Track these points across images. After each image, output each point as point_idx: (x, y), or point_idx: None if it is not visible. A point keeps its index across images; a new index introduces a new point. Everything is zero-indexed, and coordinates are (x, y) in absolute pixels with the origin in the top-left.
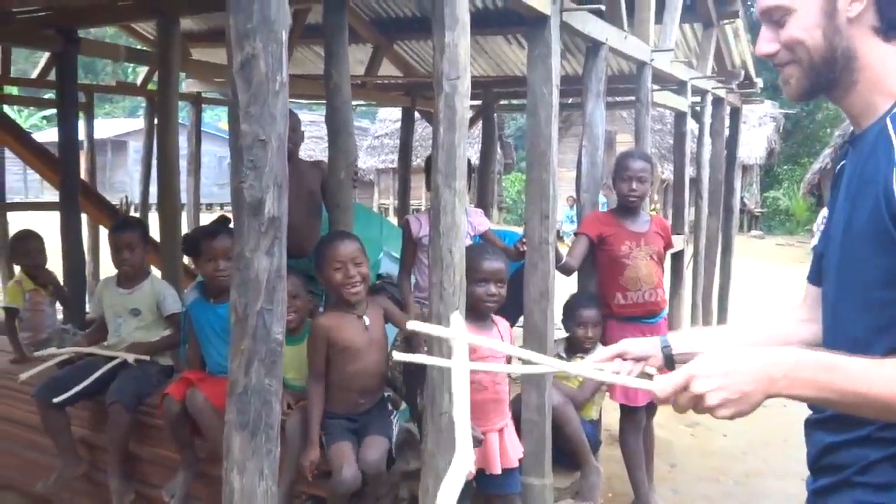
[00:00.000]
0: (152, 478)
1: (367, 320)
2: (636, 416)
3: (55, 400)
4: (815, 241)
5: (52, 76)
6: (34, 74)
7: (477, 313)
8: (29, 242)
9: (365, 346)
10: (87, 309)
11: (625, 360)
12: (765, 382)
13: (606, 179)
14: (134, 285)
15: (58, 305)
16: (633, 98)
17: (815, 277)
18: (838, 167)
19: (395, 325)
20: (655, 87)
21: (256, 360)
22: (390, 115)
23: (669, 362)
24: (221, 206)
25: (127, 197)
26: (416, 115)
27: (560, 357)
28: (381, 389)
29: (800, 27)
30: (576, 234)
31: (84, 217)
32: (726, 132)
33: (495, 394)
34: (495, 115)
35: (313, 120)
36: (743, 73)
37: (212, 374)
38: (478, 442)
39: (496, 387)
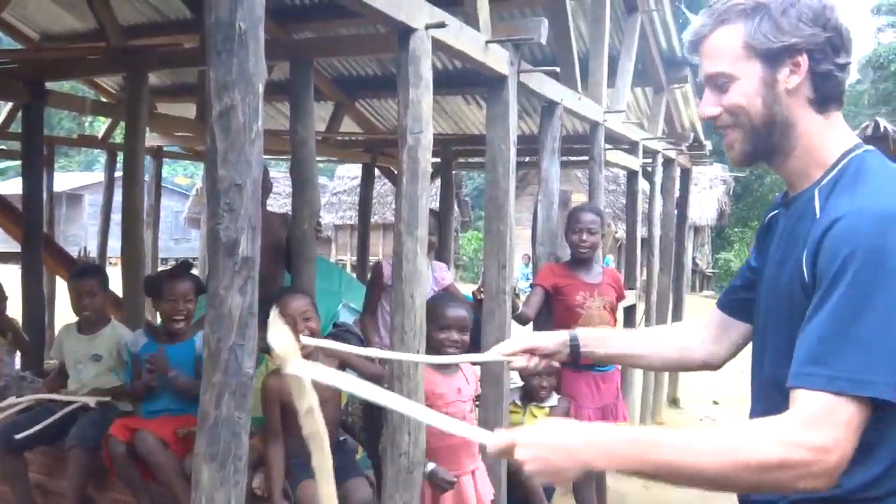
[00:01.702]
0: None
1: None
2: None
3: (16, 437)
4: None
5: (13, 127)
6: None
7: None
8: None
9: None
10: (47, 357)
11: (534, 355)
12: (580, 462)
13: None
14: (95, 331)
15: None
16: (587, 157)
17: (724, 305)
18: (767, 218)
19: (355, 369)
20: (608, 146)
21: (227, 393)
22: (348, 172)
23: (575, 358)
24: (177, 260)
25: (86, 248)
26: (376, 171)
27: (515, 404)
28: (336, 434)
29: (741, 94)
30: (532, 285)
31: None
32: (677, 192)
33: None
34: (454, 173)
35: (273, 177)
36: (692, 135)
37: (152, 415)
38: (450, 485)
39: None
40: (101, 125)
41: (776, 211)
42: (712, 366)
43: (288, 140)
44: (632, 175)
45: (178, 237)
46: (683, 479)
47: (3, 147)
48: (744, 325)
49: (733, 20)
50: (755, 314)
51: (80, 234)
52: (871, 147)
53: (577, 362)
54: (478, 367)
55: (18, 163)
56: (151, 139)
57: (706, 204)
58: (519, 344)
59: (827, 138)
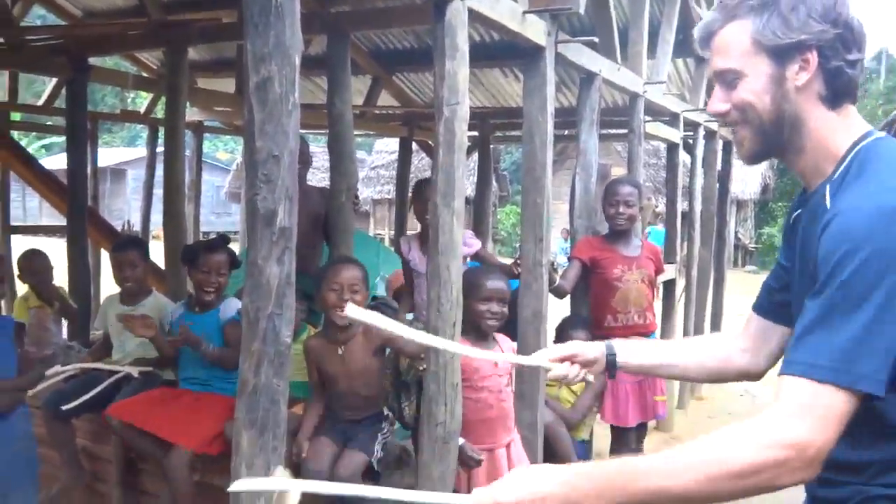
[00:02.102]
0: (153, 488)
1: (341, 350)
2: (626, 438)
3: (63, 408)
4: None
5: (57, 103)
6: (40, 102)
7: (479, 332)
8: (34, 260)
9: (342, 375)
10: (92, 327)
11: (573, 363)
12: None
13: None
14: (137, 301)
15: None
16: (626, 130)
17: (760, 308)
18: (791, 217)
19: (397, 349)
20: (648, 118)
21: (266, 361)
22: (386, 147)
23: (612, 369)
24: (218, 234)
25: (129, 221)
26: (414, 145)
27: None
28: (373, 407)
29: (750, 91)
30: (569, 258)
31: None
32: (719, 165)
33: (500, 410)
34: (491, 147)
35: (312, 151)
36: None
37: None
38: (477, 462)
39: (501, 404)
40: (142, 101)
41: (798, 210)
42: (753, 375)
43: (326, 114)
44: (672, 148)
45: (218, 211)
46: (673, 501)
47: (49, 123)
48: (783, 328)
49: (743, 15)
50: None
51: (124, 208)
52: (882, 134)
53: (612, 375)
54: (512, 344)
55: (63, 138)
56: (192, 114)
57: (749, 177)
58: (561, 351)
59: (839, 133)
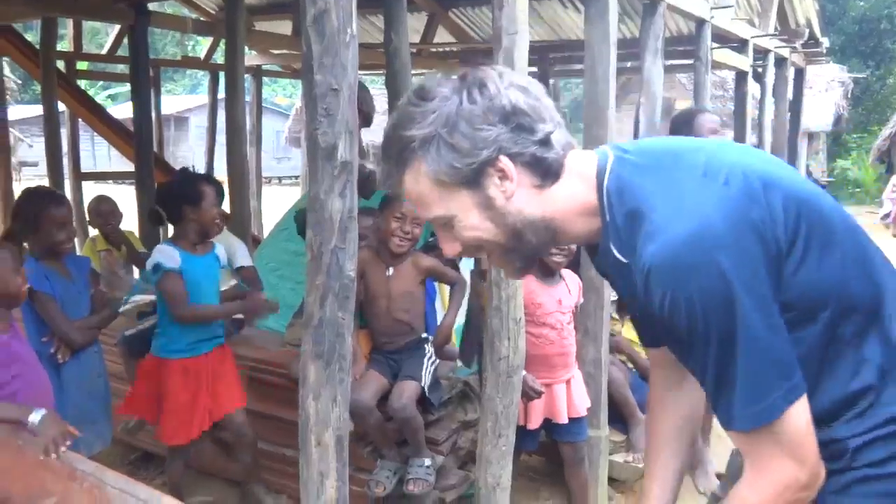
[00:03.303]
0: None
1: (390, 271)
2: None
3: (126, 333)
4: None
5: (120, 53)
6: (104, 52)
7: (545, 268)
8: (102, 205)
9: (383, 295)
10: None
11: None
12: None
13: None
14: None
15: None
16: (691, 60)
17: (654, 340)
18: (602, 271)
19: (444, 282)
20: (715, 45)
21: (330, 294)
22: None
23: None
24: (280, 179)
25: (193, 166)
26: None
27: (613, 317)
28: (412, 334)
29: (468, 228)
30: None
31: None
32: (790, 95)
33: (561, 347)
34: (551, 82)
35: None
36: (807, 32)
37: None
38: (537, 394)
39: (562, 341)
40: (202, 48)
41: (603, 264)
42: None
43: (382, 53)
44: (740, 77)
45: (279, 156)
46: None
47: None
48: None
49: (412, 160)
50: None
51: (188, 155)
52: (605, 149)
53: None
54: (579, 281)
55: (128, 88)
56: (250, 58)
57: (822, 108)
58: None
59: (578, 192)
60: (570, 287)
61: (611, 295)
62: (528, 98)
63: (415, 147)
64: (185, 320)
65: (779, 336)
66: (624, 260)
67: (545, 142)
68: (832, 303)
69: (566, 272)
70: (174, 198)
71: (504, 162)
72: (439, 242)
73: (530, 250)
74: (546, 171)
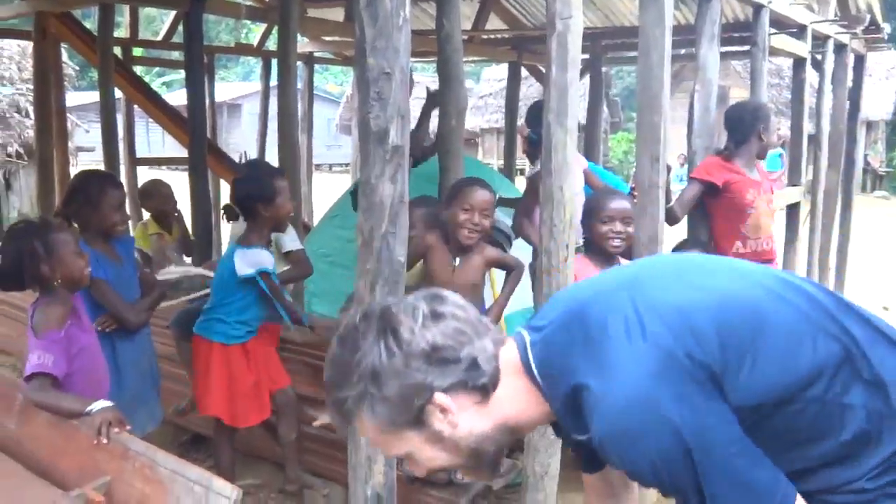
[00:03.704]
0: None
1: (457, 262)
2: None
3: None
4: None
5: (175, 39)
6: (159, 38)
7: (603, 253)
8: (154, 189)
9: (446, 282)
10: (215, 256)
11: None
12: None
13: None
14: None
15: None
16: (747, 47)
17: (596, 466)
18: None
19: (504, 269)
20: (772, 31)
21: (380, 279)
22: (494, 75)
23: None
24: (330, 166)
25: (245, 153)
26: (523, 71)
27: None
28: None
29: (426, 460)
30: (691, 178)
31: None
32: (849, 82)
33: None
34: (603, 69)
35: (418, 81)
36: (868, 17)
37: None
38: None
39: None
40: (255, 35)
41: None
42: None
43: (434, 40)
44: (798, 63)
45: (330, 144)
46: None
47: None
48: None
49: (355, 412)
50: None
51: (240, 141)
52: (519, 334)
53: None
54: None
55: (182, 75)
56: (302, 45)
57: (881, 96)
58: None
59: (519, 389)
60: None
61: None
62: (444, 325)
63: (351, 405)
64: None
65: (749, 457)
66: (581, 438)
67: (474, 365)
68: (795, 383)
69: (625, 262)
70: (248, 195)
71: (440, 398)
72: (408, 465)
73: (493, 456)
74: (483, 389)
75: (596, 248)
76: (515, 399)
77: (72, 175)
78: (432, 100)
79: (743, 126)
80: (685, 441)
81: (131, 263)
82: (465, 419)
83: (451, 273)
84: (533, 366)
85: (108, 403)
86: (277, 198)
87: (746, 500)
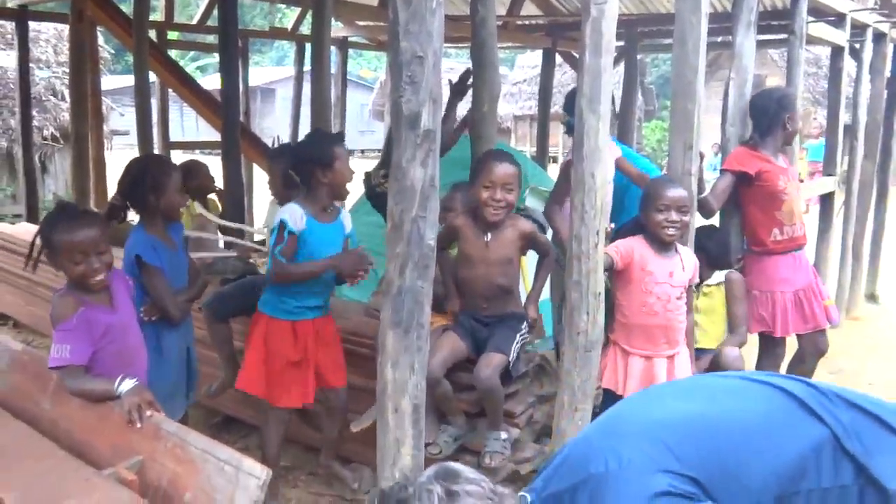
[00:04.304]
0: None
1: (488, 236)
2: (776, 350)
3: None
4: None
5: (210, 23)
6: (194, 22)
7: (660, 241)
8: (196, 167)
9: (479, 259)
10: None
11: None
12: None
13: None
14: (286, 201)
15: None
16: (784, 35)
17: None
18: None
19: (537, 250)
20: (810, 19)
21: (410, 262)
22: (528, 62)
23: None
24: (363, 151)
25: (278, 137)
26: (557, 58)
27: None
28: (507, 304)
29: None
30: (723, 170)
31: None
32: (888, 71)
33: (665, 320)
34: (638, 57)
35: (451, 67)
36: None
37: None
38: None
39: (667, 314)
40: (289, 20)
41: None
42: None
43: (468, 25)
44: (836, 52)
45: (363, 129)
46: None
47: (206, 42)
48: None
49: None
50: None
51: (274, 126)
52: (523, 496)
53: None
54: (695, 260)
55: (216, 59)
56: (336, 30)
57: None
58: None
59: None
60: (684, 263)
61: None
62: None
63: None
64: (276, 278)
65: None
66: None
67: None
68: (786, 473)
69: (684, 249)
70: (305, 160)
71: None
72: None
73: None
74: None
75: (653, 236)
76: None
77: (106, 158)
78: (457, 89)
79: (768, 115)
80: None
81: (183, 250)
82: None
83: (485, 248)
84: None
85: (133, 383)
86: (336, 162)
87: None
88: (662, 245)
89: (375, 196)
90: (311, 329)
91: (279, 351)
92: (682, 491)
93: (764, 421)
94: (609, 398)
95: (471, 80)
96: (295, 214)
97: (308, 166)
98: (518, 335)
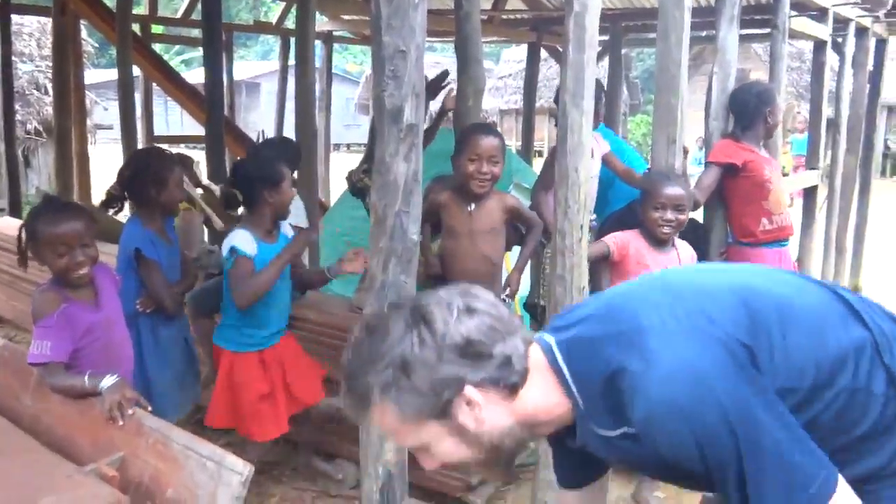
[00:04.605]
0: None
1: (472, 207)
2: None
3: None
4: None
5: (194, 17)
6: (178, 15)
7: (657, 238)
8: (184, 161)
9: (464, 231)
10: None
11: None
12: None
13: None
14: None
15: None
16: (767, 30)
17: (575, 482)
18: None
19: (523, 223)
20: (793, 13)
21: (394, 257)
22: (514, 56)
23: None
24: (348, 146)
25: (263, 131)
26: (542, 52)
27: None
28: (493, 284)
29: (444, 454)
30: (708, 163)
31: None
32: (870, 65)
33: None
34: (623, 51)
35: (437, 61)
36: (891, 0)
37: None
38: None
39: None
40: (274, 13)
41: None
42: None
43: (452, 20)
44: (819, 46)
45: (348, 123)
46: None
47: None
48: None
49: (374, 401)
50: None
51: (258, 120)
52: (541, 337)
53: None
54: (692, 253)
55: (201, 53)
56: (321, 24)
57: None
58: None
59: (544, 387)
60: (681, 257)
61: None
62: (479, 321)
63: (376, 390)
64: (247, 305)
65: (793, 436)
66: (610, 434)
67: (506, 362)
68: (826, 364)
69: (681, 243)
70: (252, 179)
71: (469, 392)
72: (417, 459)
73: (510, 453)
74: (512, 387)
75: (648, 233)
76: (540, 397)
77: (90, 152)
78: (431, 87)
79: (749, 110)
80: (730, 416)
81: (177, 243)
82: (490, 414)
83: (469, 219)
84: (561, 363)
85: (114, 380)
86: (283, 182)
87: (788, 478)
88: (659, 243)
89: (358, 192)
90: (278, 353)
91: (248, 385)
92: (737, 350)
93: (815, 311)
94: None
95: (446, 80)
96: (245, 239)
97: (255, 185)
98: None
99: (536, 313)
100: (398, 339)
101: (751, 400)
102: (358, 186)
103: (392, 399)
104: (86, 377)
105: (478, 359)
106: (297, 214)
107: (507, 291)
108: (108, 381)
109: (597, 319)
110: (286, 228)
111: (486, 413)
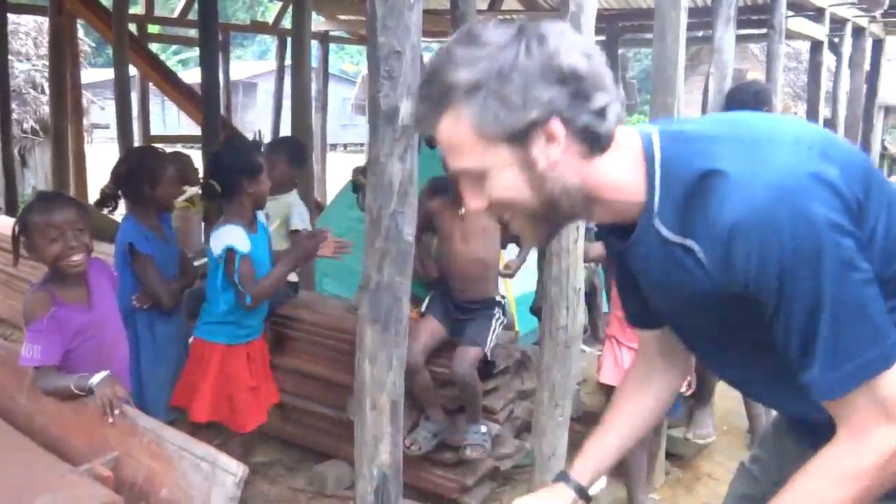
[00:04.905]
0: (283, 385)
1: (463, 210)
2: None
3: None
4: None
5: (191, 17)
6: (174, 15)
7: None
8: (180, 159)
9: (456, 234)
10: None
11: None
12: None
13: None
14: (277, 194)
15: None
16: (764, 30)
17: (651, 323)
18: (618, 254)
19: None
20: (790, 13)
21: (388, 258)
22: None
23: (585, 497)
24: (345, 146)
25: (259, 131)
26: None
27: None
28: (485, 287)
29: (501, 187)
30: None
31: None
32: (867, 66)
33: None
34: (619, 51)
35: None
36: (888, 1)
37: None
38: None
39: None
40: (271, 14)
41: (621, 249)
42: (690, 371)
43: (448, 20)
44: (815, 46)
45: (345, 123)
46: None
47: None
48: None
49: (454, 105)
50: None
51: (256, 120)
52: (642, 129)
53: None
54: None
55: (198, 52)
56: (318, 24)
57: None
58: None
59: (623, 167)
60: None
61: None
62: (589, 63)
63: (460, 92)
64: (257, 303)
65: (871, 291)
66: (672, 238)
67: (601, 113)
68: None
69: None
70: (232, 170)
71: (555, 125)
72: (463, 196)
73: (561, 219)
74: (595, 143)
75: None
76: (616, 174)
77: (86, 152)
78: None
79: (745, 110)
80: (822, 244)
81: (173, 241)
82: (562, 162)
83: (461, 222)
84: (656, 148)
85: (103, 375)
86: (261, 173)
87: (863, 327)
88: None
89: (359, 188)
90: (258, 348)
91: (239, 378)
92: (853, 206)
93: None
94: (610, 396)
95: None
96: (240, 236)
97: (234, 176)
98: (494, 321)
99: (542, 317)
100: (502, 45)
101: (844, 241)
102: (358, 183)
103: (477, 104)
104: (72, 382)
105: (577, 95)
106: (303, 219)
107: (499, 311)
108: (97, 377)
109: (714, 121)
110: (262, 217)
111: (561, 158)
